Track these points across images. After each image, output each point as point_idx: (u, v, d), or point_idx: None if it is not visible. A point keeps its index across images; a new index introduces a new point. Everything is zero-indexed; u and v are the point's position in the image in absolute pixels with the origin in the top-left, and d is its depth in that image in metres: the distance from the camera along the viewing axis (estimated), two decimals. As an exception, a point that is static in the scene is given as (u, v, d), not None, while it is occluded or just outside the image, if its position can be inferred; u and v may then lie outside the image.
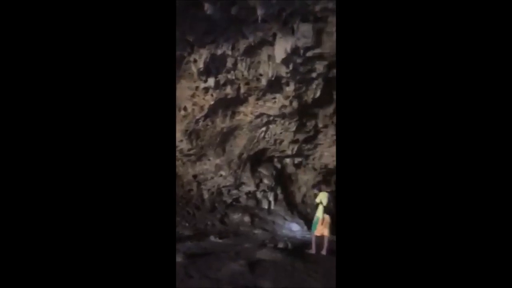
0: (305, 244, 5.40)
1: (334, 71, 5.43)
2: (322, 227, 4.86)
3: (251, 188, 7.77)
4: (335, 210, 5.86)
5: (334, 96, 6.15)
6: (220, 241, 5.46)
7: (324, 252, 4.73)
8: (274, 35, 4.82)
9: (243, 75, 5.66)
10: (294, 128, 7.00)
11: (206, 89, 5.95)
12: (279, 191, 8.06)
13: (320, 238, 4.87)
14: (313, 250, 4.79)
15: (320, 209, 4.94)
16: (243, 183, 7.74)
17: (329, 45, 4.82)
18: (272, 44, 4.95)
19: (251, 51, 5.18)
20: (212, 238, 5.56)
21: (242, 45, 5.03)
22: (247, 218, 7.13)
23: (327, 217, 4.89)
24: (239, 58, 5.30)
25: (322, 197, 5.03)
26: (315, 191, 6.98)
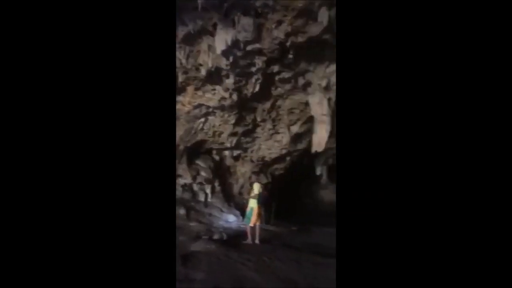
0: (240, 234, 5.54)
1: (273, 67, 5.61)
2: (255, 217, 5.06)
3: (187, 180, 7.59)
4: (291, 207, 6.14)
5: (272, 92, 6.37)
6: (153, 235, 5.24)
7: (257, 241, 4.95)
8: (215, 25, 4.73)
9: (181, 64, 5.45)
10: (233, 121, 7.03)
11: (141, 76, 5.55)
12: (216, 183, 8.04)
13: (253, 228, 5.06)
14: (249, 240, 4.97)
15: (254, 200, 5.13)
16: (179, 176, 7.51)
17: (268, 41, 4.95)
18: (212, 34, 4.86)
19: (190, 39, 5.01)
20: (144, 233, 5.29)
21: (181, 32, 4.82)
22: (182, 211, 6.94)
23: (259, 207, 5.11)
24: (177, 45, 5.07)
25: (256, 188, 5.24)
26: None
